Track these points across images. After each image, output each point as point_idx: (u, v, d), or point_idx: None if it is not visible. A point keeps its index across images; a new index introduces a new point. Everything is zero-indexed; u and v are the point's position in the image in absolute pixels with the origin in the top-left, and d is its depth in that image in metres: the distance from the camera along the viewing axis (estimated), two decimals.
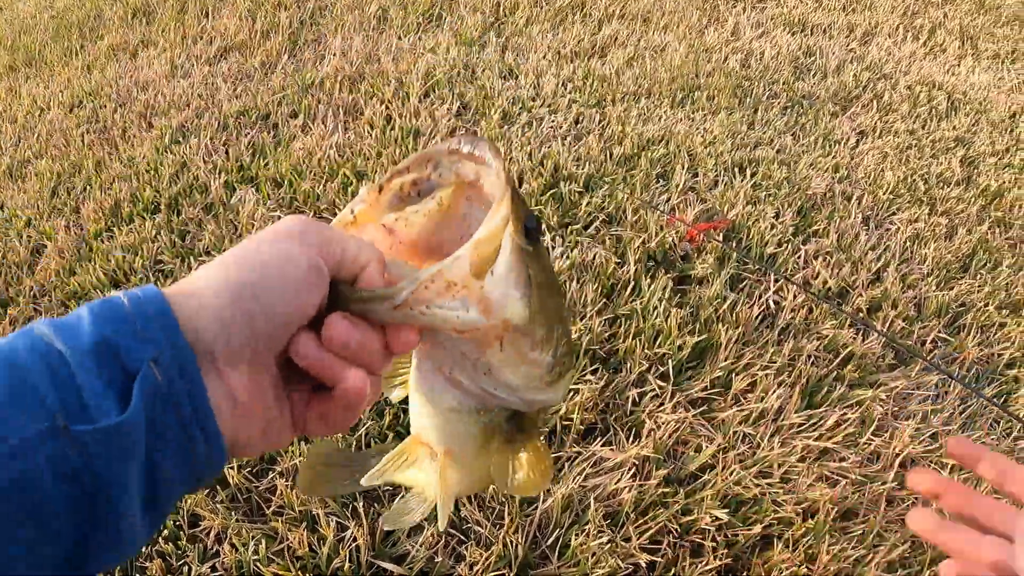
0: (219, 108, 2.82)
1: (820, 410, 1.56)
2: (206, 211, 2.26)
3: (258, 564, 1.33)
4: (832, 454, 1.50)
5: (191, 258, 2.05)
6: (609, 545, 1.35)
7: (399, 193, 0.57)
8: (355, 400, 0.47)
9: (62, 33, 3.89)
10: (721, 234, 2.13)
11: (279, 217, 2.09)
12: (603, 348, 1.69)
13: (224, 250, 1.72)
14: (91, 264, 2.06)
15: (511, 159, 2.38)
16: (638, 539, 1.36)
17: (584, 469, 1.46)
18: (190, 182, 2.39)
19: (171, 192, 2.33)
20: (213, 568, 1.35)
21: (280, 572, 1.31)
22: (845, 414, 1.55)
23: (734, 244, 2.11)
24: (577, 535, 1.36)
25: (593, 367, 1.64)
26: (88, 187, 2.47)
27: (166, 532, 1.39)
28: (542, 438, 0.71)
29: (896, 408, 1.60)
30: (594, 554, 1.34)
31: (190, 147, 2.58)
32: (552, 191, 2.25)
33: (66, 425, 0.35)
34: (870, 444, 1.52)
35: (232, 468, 1.47)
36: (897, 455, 1.51)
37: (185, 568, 1.35)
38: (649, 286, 1.85)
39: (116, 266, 2.05)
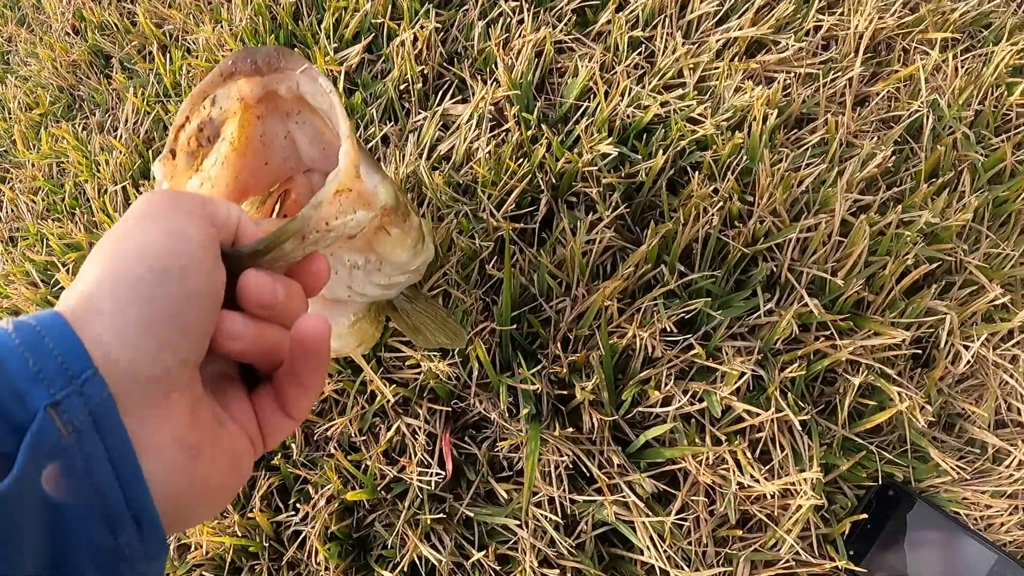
0: None
1: None
2: (20, 23, 1.75)
3: None
4: (768, 48, 1.04)
5: (9, 75, 1.61)
6: (462, 222, 0.91)
7: (191, 149, 0.53)
8: (321, 348, 0.40)
9: None
10: None
11: None
12: None
13: (39, 52, 1.49)
14: None
15: None
16: (500, 208, 0.92)
17: (431, 136, 1.00)
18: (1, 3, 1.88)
19: None
20: None
21: None
22: None
23: None
24: (430, 202, 0.91)
25: (423, 8, 1.13)
26: None
27: None
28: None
29: None
30: (443, 241, 0.90)
31: None
32: None
33: None
34: (820, 27, 1.05)
35: (61, 271, 1.15)
36: (859, 36, 1.04)
37: None
38: None
39: None
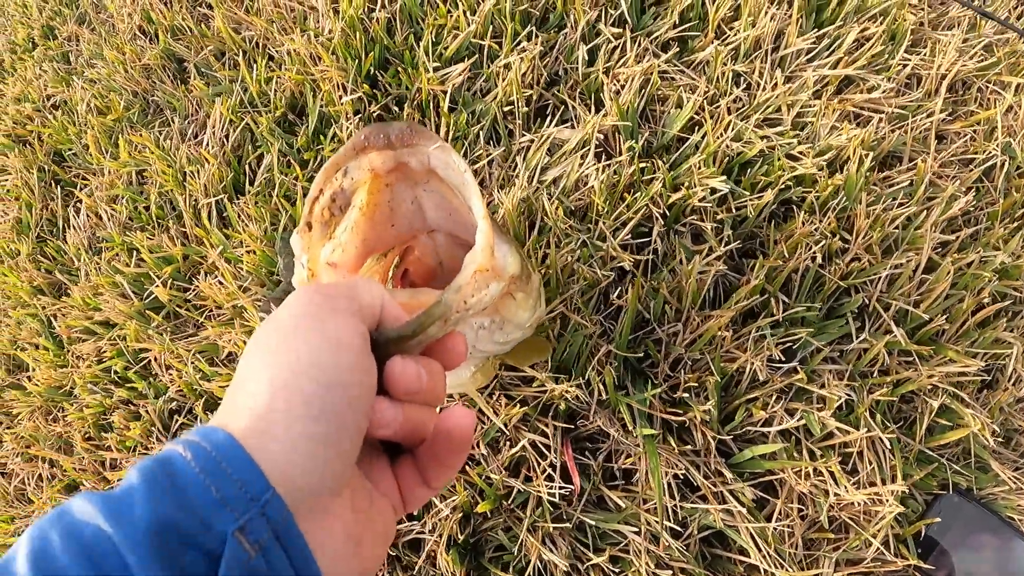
0: None
1: (833, 27, 1.13)
2: (80, 22, 1.72)
3: (204, 381, 1.11)
4: (857, 84, 1.10)
5: (75, 77, 1.58)
6: (582, 251, 0.97)
7: (324, 219, 0.56)
8: (466, 439, 0.44)
9: None
10: None
11: None
12: (534, 5, 1.21)
13: (105, 54, 1.53)
14: None
15: None
16: (617, 236, 0.98)
17: (539, 160, 1.05)
18: (58, 1, 1.83)
19: (42, 20, 1.80)
20: (171, 400, 1.15)
21: (225, 383, 1.08)
22: (867, 29, 1.13)
23: None
24: (538, 248, 0.97)
25: (526, 31, 1.17)
26: None
27: (119, 378, 1.20)
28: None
29: (934, 15, 1.18)
30: (565, 266, 0.96)
31: None
32: None
33: None
34: (905, 65, 1.12)
35: (158, 285, 1.18)
36: (943, 76, 1.12)
37: (143, 410, 1.14)
38: None
39: (13, 121, 1.61)
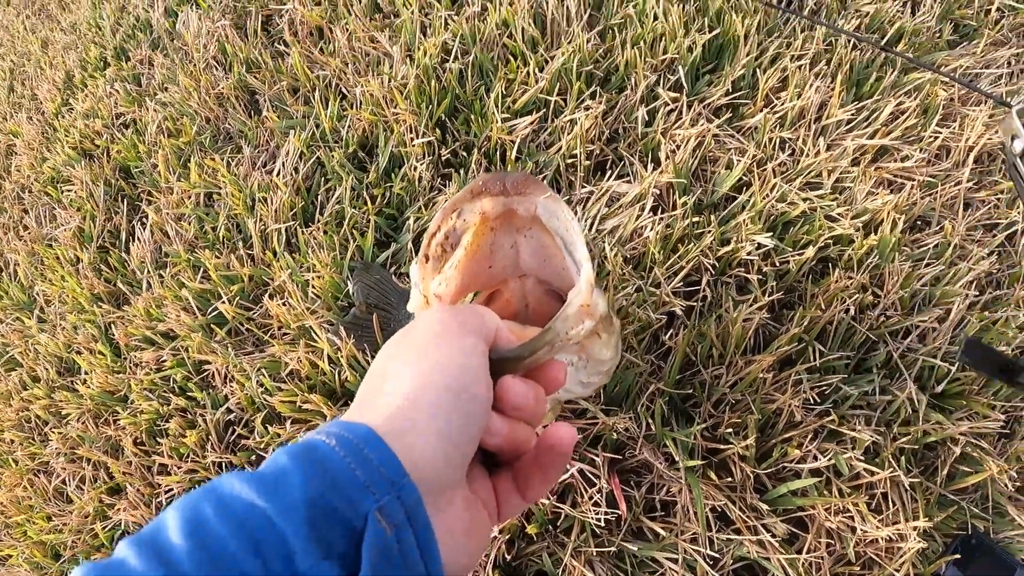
0: None
1: (871, 101, 1.24)
2: (154, 47, 1.86)
3: (265, 396, 1.18)
4: (891, 153, 1.20)
5: (147, 99, 1.71)
6: (636, 296, 1.06)
7: (437, 254, 0.64)
8: (569, 452, 0.49)
9: None
10: None
11: (224, 26, 1.67)
12: (599, 67, 1.32)
13: (179, 80, 1.65)
14: (58, 144, 1.78)
15: None
16: (669, 283, 1.08)
17: (599, 211, 1.14)
18: (132, 24, 1.99)
19: (115, 42, 1.95)
20: (228, 411, 1.22)
21: (287, 399, 1.15)
22: (902, 103, 1.23)
23: None
24: (608, 274, 1.07)
25: (591, 90, 1.28)
26: (39, 70, 2.18)
27: (177, 387, 1.28)
28: None
29: (963, 92, 1.28)
30: (620, 309, 1.05)
31: None
32: None
33: None
34: (936, 137, 1.22)
35: (224, 302, 1.26)
36: (970, 148, 1.21)
37: (201, 420, 1.22)
38: None
39: (81, 136, 1.73)
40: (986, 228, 1.16)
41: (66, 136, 1.78)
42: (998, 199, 1.18)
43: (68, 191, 1.65)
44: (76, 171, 1.65)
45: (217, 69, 1.65)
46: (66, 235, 1.57)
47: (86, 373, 1.37)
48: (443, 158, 1.30)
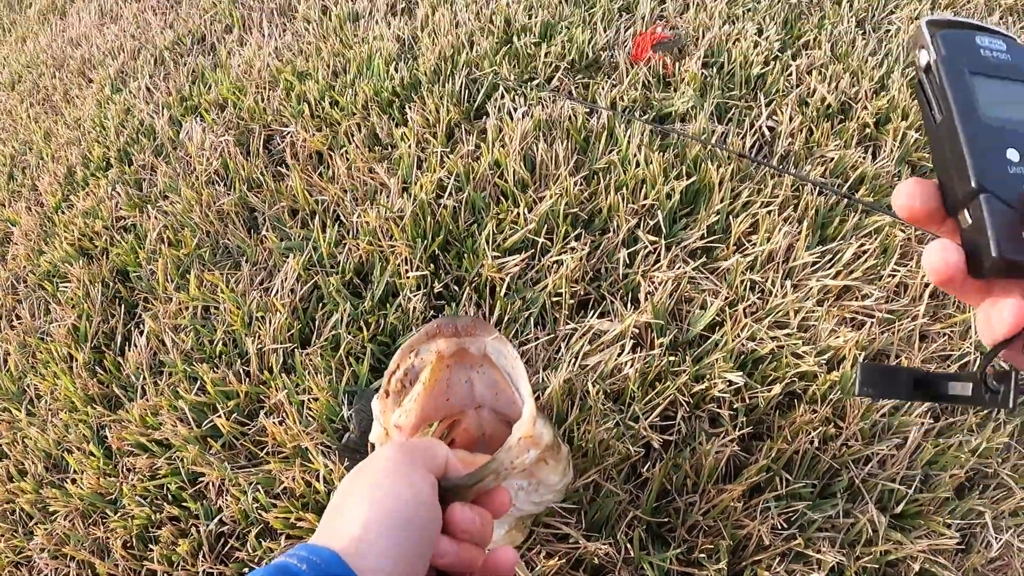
0: (153, 43, 2.57)
1: (834, 244, 1.37)
2: (156, 154, 2.02)
3: (260, 511, 1.22)
4: (853, 292, 1.33)
5: (148, 206, 1.83)
6: (616, 429, 1.19)
7: (397, 389, 0.71)
8: (508, 573, 0.56)
9: None
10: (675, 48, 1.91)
11: (228, 141, 1.88)
12: (583, 209, 1.48)
13: (181, 191, 1.71)
14: (56, 240, 1.87)
15: (457, 22, 2.12)
16: (647, 418, 1.20)
17: (582, 348, 1.28)
18: (136, 128, 2.16)
19: (119, 144, 2.10)
20: (221, 523, 1.26)
21: (282, 515, 1.20)
22: (863, 244, 1.36)
23: (715, 70, 1.86)
24: (580, 424, 1.20)
25: (576, 232, 1.43)
26: (41, 161, 2.29)
27: (171, 496, 1.31)
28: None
29: (919, 232, 1.40)
30: (601, 441, 1.18)
31: (131, 92, 2.34)
32: (506, 48, 1.98)
33: None
34: (894, 275, 1.35)
35: (220, 416, 1.34)
36: (926, 285, 1.33)
37: (194, 529, 1.26)
38: (625, 132, 1.61)
39: (80, 234, 1.84)
40: (941, 359, 1.27)
41: (65, 232, 1.84)
42: (951, 331, 1.29)
43: (64, 288, 1.69)
44: (73, 269, 1.70)
45: (218, 184, 1.76)
46: (60, 331, 1.59)
47: (76, 472, 1.39)
48: (435, 291, 1.44)
